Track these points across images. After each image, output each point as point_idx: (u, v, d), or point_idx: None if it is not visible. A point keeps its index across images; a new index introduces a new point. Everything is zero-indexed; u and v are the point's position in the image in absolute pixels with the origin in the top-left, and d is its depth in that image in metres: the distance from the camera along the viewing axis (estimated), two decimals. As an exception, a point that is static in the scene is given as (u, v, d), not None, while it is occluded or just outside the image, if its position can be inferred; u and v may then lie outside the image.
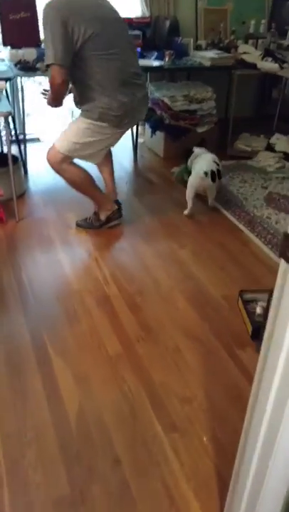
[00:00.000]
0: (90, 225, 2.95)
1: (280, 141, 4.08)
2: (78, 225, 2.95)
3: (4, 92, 3.03)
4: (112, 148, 2.93)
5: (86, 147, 2.60)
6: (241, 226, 3.03)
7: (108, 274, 2.54)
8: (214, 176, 3.04)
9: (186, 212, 3.12)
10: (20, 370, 1.91)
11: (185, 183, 3.18)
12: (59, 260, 2.63)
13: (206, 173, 3.01)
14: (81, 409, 1.75)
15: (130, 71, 2.55)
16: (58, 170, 2.69)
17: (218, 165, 3.12)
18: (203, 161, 3.15)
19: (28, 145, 3.87)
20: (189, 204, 3.10)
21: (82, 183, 2.77)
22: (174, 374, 1.92)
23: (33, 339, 2.07)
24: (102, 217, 2.93)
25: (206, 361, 1.99)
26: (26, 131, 3.82)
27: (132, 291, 2.41)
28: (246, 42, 4.41)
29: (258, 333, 2.06)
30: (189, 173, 3.20)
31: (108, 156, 2.99)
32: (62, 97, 2.49)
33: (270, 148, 4.15)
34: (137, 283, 2.47)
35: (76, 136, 2.57)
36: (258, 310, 2.18)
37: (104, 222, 2.93)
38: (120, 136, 2.71)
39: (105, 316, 2.23)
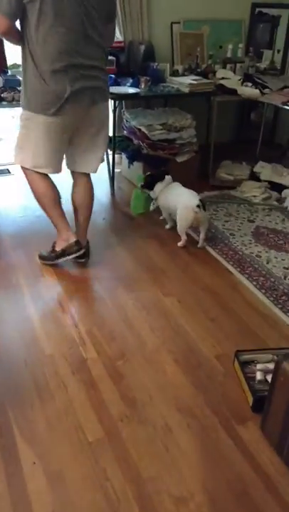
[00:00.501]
0: (45, 258, 2.69)
1: (265, 170, 3.88)
2: (40, 257, 2.73)
3: None
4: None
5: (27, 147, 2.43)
6: (230, 267, 2.78)
7: (84, 331, 2.23)
8: (204, 206, 2.91)
9: (180, 244, 2.98)
10: (-20, 467, 1.58)
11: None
12: (28, 315, 2.32)
13: (198, 206, 2.85)
14: (54, 521, 1.43)
15: (78, 60, 2.24)
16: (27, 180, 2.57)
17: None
18: (186, 194, 2.99)
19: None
20: (184, 237, 2.97)
21: (44, 198, 2.59)
22: (165, 464, 1.62)
23: (-4, 423, 1.74)
24: (58, 247, 2.66)
25: (202, 444, 1.70)
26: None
27: (113, 353, 2.11)
28: (224, 66, 4.24)
29: (259, 404, 1.78)
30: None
31: (88, 199, 2.74)
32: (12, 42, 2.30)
33: (254, 177, 3.94)
34: (118, 342, 2.18)
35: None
36: (259, 375, 1.90)
37: (59, 253, 2.65)
38: (59, 129, 2.38)
39: (82, 387, 1.92)
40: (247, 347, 2.12)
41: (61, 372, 1.98)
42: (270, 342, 2.19)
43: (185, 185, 3.80)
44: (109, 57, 3.77)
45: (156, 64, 3.88)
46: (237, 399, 1.88)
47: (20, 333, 2.20)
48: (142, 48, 3.91)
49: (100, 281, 2.61)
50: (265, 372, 1.92)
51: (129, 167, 3.91)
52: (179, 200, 2.96)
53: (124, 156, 3.98)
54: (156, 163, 3.74)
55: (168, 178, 3.15)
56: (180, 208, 2.92)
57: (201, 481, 1.56)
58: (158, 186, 3.13)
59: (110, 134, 3.83)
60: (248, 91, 3.84)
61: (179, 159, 3.78)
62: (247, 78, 4.06)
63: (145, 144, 3.63)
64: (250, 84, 3.99)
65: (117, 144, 3.77)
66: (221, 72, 4.11)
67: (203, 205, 2.87)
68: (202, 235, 2.96)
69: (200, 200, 2.88)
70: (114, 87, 3.57)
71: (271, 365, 1.97)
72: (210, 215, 3.38)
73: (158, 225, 3.26)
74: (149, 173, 3.26)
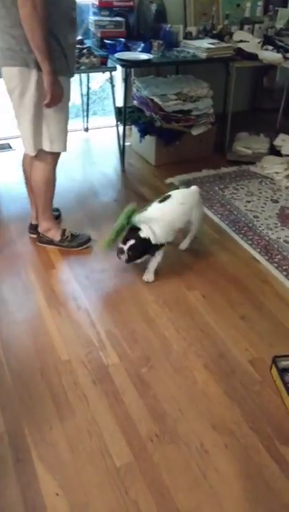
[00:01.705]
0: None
1: (286, 144, 3.59)
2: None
3: None
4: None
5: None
6: (257, 255, 2.55)
7: (103, 332, 2.02)
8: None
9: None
10: (-4, 500, 1.40)
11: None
12: (41, 315, 2.11)
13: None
14: None
15: None
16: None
17: None
18: (184, 191, 2.50)
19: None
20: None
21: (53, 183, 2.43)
22: (205, 494, 1.44)
23: (12, 444, 1.55)
24: (66, 233, 2.55)
25: (243, 468, 1.52)
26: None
27: (136, 358, 1.91)
28: (241, 28, 3.88)
29: (305, 421, 1.59)
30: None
31: None
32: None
33: (274, 151, 3.66)
34: (141, 344, 1.97)
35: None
36: (302, 387, 1.71)
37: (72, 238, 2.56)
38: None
39: (105, 400, 1.72)
40: (283, 348, 1.93)
41: (81, 381, 1.79)
42: (308, 343, 1.99)
43: (200, 160, 3.56)
44: (118, 19, 3.45)
45: (169, 26, 3.52)
46: (277, 412, 1.70)
47: (33, 336, 1.99)
48: (153, 7, 3.55)
49: (116, 274, 2.39)
50: (309, 382, 1.73)
51: (140, 141, 3.61)
52: (188, 202, 2.38)
53: (134, 128, 3.67)
54: (169, 136, 3.47)
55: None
56: (198, 206, 2.45)
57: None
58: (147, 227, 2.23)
59: (120, 104, 3.55)
60: (270, 56, 3.51)
61: (195, 132, 3.48)
62: (267, 41, 3.72)
63: (158, 116, 3.33)
64: (270, 47, 3.65)
65: (127, 115, 3.47)
66: (238, 35, 3.77)
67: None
68: (191, 236, 2.54)
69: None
70: (124, 53, 3.24)
71: (314, 374, 1.78)
72: (230, 195, 3.13)
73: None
74: (132, 243, 2.20)
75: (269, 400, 1.74)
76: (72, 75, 2.21)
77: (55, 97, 2.05)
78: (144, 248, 2.22)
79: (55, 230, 2.53)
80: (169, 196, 2.37)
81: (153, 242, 2.21)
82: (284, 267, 2.45)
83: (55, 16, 1.93)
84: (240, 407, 1.72)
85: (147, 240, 2.19)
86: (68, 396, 1.73)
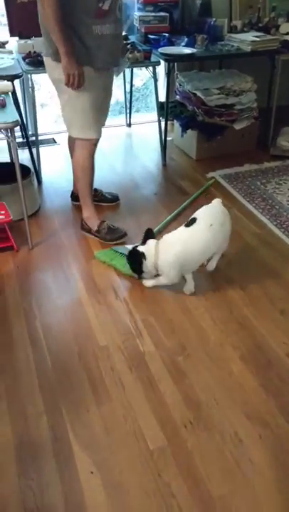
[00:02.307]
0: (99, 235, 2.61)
1: None
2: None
3: (10, 94, 2.52)
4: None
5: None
6: (298, 250, 2.51)
7: (140, 321, 2.06)
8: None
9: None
10: (34, 472, 1.46)
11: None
12: (81, 303, 2.16)
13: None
14: None
15: None
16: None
17: None
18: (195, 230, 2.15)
19: (42, 149, 3.38)
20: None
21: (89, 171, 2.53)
22: (237, 482, 1.44)
23: (50, 424, 1.61)
24: (101, 225, 2.60)
25: (277, 459, 1.51)
26: (39, 132, 3.30)
27: (172, 347, 1.93)
28: (289, 20, 3.80)
29: None
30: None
31: None
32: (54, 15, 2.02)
33: None
34: (178, 334, 1.99)
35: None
36: None
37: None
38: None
39: (141, 385, 1.75)
40: None
41: (117, 367, 1.83)
42: None
43: (243, 155, 3.53)
44: (162, 14, 3.47)
45: (214, 19, 3.50)
46: (314, 407, 1.67)
47: (72, 322, 2.05)
48: (198, 1, 3.54)
49: (155, 264, 2.41)
50: None
51: (182, 136, 3.62)
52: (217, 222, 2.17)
53: (176, 123, 3.68)
54: (211, 130, 3.45)
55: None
56: (227, 221, 2.24)
57: (278, 504, 1.38)
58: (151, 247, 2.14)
59: (163, 99, 3.56)
60: None
61: (237, 126, 3.45)
62: (315, 33, 3.63)
63: (201, 110, 3.33)
64: None
65: (169, 110, 3.48)
66: (285, 27, 3.68)
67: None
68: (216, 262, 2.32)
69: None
70: (167, 48, 3.26)
71: None
72: (272, 189, 3.09)
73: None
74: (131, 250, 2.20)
75: (306, 394, 1.72)
76: (101, 67, 2.25)
77: (71, 78, 2.15)
78: (135, 261, 2.14)
79: (94, 219, 2.59)
80: (194, 220, 2.15)
81: (147, 269, 2.12)
82: None
83: (77, 7, 2.05)
84: (276, 399, 1.70)
85: (140, 255, 2.10)
86: (105, 380, 1.77)
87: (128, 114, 4.09)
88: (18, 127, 2.83)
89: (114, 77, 2.52)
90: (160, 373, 1.80)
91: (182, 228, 2.17)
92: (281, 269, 2.37)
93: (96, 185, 2.73)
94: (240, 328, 2.02)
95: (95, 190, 2.91)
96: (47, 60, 2.29)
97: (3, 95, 2.36)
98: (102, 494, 1.41)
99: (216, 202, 2.26)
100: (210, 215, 2.18)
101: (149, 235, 2.20)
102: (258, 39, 3.33)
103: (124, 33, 3.42)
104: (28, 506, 1.38)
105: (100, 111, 2.41)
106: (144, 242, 2.17)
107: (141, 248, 2.13)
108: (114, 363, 1.84)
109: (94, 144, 2.47)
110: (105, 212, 2.84)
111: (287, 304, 2.15)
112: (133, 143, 3.96)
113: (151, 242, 2.14)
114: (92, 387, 1.74)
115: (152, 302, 2.17)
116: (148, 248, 2.12)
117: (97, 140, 2.48)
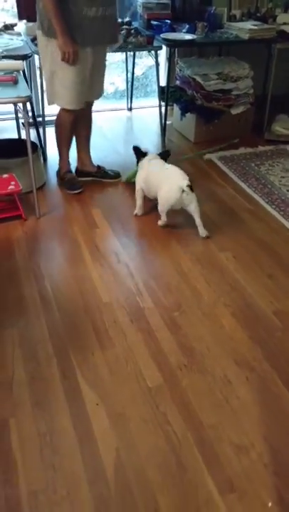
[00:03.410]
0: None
1: None
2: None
3: (21, 71, 2.68)
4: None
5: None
6: (287, 224, 2.70)
7: (141, 282, 2.24)
8: (192, 187, 2.48)
9: (160, 223, 2.63)
10: (46, 403, 1.65)
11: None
12: (85, 265, 2.34)
13: (189, 186, 2.45)
14: (119, 459, 1.49)
15: None
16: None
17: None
18: (175, 172, 2.57)
19: (48, 128, 3.53)
20: (164, 218, 2.60)
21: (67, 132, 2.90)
22: (225, 414, 1.63)
23: (59, 366, 1.79)
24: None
25: (262, 396, 1.70)
26: (45, 112, 3.46)
27: (169, 304, 2.11)
28: (286, 11, 3.97)
29: None
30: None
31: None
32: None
33: (312, 131, 3.75)
34: (174, 294, 2.18)
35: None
36: None
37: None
38: None
39: (141, 335, 1.94)
40: (306, 304, 2.08)
41: (120, 320, 2.01)
42: None
43: (239, 139, 3.70)
44: (164, 1, 3.62)
45: (214, 8, 3.67)
46: (296, 355, 1.87)
47: (78, 282, 2.23)
48: (199, -10, 3.70)
49: (154, 234, 2.59)
50: None
51: (181, 119, 3.79)
52: (166, 177, 2.57)
53: (176, 107, 3.85)
54: (209, 114, 3.62)
55: (150, 155, 2.77)
56: (166, 185, 2.53)
57: (262, 432, 1.58)
58: (143, 162, 2.74)
59: (163, 83, 3.73)
60: (312, 37, 3.59)
61: (234, 111, 3.63)
62: (311, 23, 3.79)
63: (199, 95, 3.50)
64: (314, 30, 3.73)
65: (169, 94, 3.65)
66: (282, 17, 3.85)
67: (191, 186, 2.47)
68: (198, 221, 2.55)
69: (189, 180, 2.50)
70: (169, 34, 3.42)
71: None
72: (266, 170, 3.28)
73: (211, 181, 3.18)
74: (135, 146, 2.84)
75: (289, 345, 1.91)
76: (91, 45, 2.55)
77: (67, 55, 2.46)
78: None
79: (63, 169, 3.02)
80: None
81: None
82: (313, 236, 2.59)
83: None
84: (262, 348, 1.90)
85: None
86: (108, 331, 1.96)
87: (129, 98, 4.25)
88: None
89: (109, 53, 2.83)
90: (158, 325, 1.99)
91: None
92: (270, 240, 2.56)
93: (99, 163, 2.99)
94: (231, 289, 2.21)
95: (98, 167, 3.10)
96: (38, 34, 2.56)
97: (15, 72, 2.52)
98: (107, 421, 1.60)
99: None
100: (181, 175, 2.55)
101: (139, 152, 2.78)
102: (255, 27, 3.50)
103: (127, 19, 3.60)
104: (41, 430, 1.56)
105: (86, 85, 2.68)
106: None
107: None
108: (117, 317, 2.03)
109: (75, 113, 2.75)
110: (107, 188, 3.02)
111: (274, 270, 2.34)
112: (134, 126, 4.12)
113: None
114: (97, 335, 1.93)
115: (152, 266, 2.35)
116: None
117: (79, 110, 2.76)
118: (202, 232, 2.56)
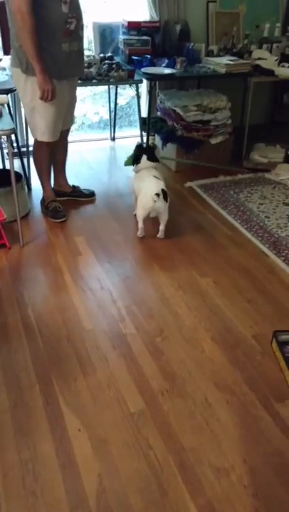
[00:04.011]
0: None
1: (300, 153, 3.83)
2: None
3: (6, 105, 2.77)
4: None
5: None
6: (266, 250, 2.78)
7: (124, 308, 2.28)
8: (166, 195, 2.72)
9: (138, 233, 2.85)
10: (28, 430, 1.66)
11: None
12: (68, 293, 2.38)
13: (157, 195, 2.66)
14: (101, 485, 1.50)
15: None
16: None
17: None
18: (150, 181, 2.77)
19: (32, 158, 3.61)
20: (140, 225, 2.82)
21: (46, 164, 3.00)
22: (206, 437, 1.66)
23: (42, 392, 1.81)
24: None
25: (242, 419, 1.74)
26: (29, 143, 3.54)
27: (151, 330, 2.15)
28: (260, 47, 4.16)
29: (298, 383, 1.80)
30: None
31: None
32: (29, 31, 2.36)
33: (288, 160, 3.89)
34: (156, 319, 2.22)
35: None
36: (297, 355, 1.92)
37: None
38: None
39: (123, 361, 1.97)
40: (284, 328, 2.14)
41: (102, 346, 2.04)
42: (307, 324, 2.20)
43: (219, 167, 3.83)
44: (145, 38, 3.78)
45: (192, 44, 3.84)
46: (275, 377, 1.91)
47: (61, 309, 2.26)
48: (178, 27, 3.88)
49: (136, 261, 2.65)
50: (304, 352, 1.94)
51: (163, 148, 3.91)
52: (142, 185, 2.80)
53: (157, 137, 3.98)
54: (190, 144, 3.75)
55: (146, 162, 2.94)
56: (141, 194, 2.77)
57: (241, 454, 1.61)
58: (140, 165, 2.95)
59: (145, 114, 3.86)
60: (286, 72, 3.78)
61: (213, 141, 3.76)
62: (284, 59, 3.99)
63: (180, 125, 3.63)
64: (287, 64, 3.91)
65: (151, 124, 3.77)
66: (257, 53, 4.04)
67: (164, 194, 2.69)
68: (161, 226, 2.81)
69: (162, 189, 2.70)
70: (149, 68, 3.57)
71: (309, 346, 1.99)
72: (244, 198, 3.38)
73: (192, 208, 3.27)
74: (139, 143, 3.12)
75: (268, 368, 1.96)
76: (64, 78, 2.67)
77: (46, 93, 2.55)
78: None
79: (48, 198, 3.10)
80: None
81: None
82: (290, 261, 2.67)
83: (45, 28, 2.42)
84: (242, 372, 1.94)
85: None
86: (91, 357, 1.98)
87: (112, 128, 4.37)
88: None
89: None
90: (140, 351, 2.03)
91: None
92: (249, 266, 2.64)
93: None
94: (212, 314, 2.26)
95: (73, 186, 3.23)
96: (16, 71, 2.63)
97: (0, 105, 2.61)
98: (89, 447, 1.62)
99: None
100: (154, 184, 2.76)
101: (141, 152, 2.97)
102: (231, 62, 3.66)
103: (109, 54, 3.75)
104: (23, 457, 1.57)
105: (62, 117, 2.81)
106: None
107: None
108: (99, 343, 2.06)
109: (53, 144, 2.86)
110: (84, 205, 3.22)
111: (253, 295, 2.40)
112: (117, 155, 4.22)
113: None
114: (80, 362, 1.96)
115: (134, 292, 2.40)
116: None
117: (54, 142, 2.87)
118: (160, 234, 2.85)
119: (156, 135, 3.98)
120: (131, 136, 4.47)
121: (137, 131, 4.11)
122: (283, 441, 1.66)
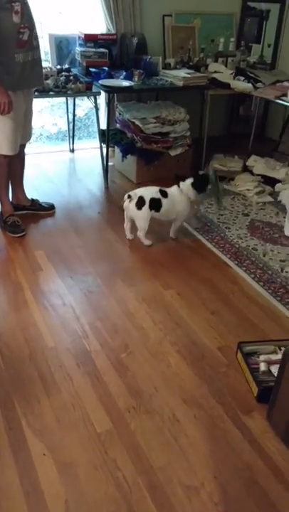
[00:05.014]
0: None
1: (257, 164, 3.91)
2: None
3: None
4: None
5: None
6: (228, 260, 2.81)
7: (87, 324, 2.23)
8: (142, 203, 2.76)
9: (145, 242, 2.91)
10: (-10, 461, 1.58)
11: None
12: (29, 310, 2.31)
13: (129, 196, 2.77)
14: (68, 511, 1.44)
15: None
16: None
17: (163, 195, 2.82)
18: (144, 188, 2.87)
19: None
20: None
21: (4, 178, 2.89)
22: (175, 454, 1.64)
23: (4, 416, 1.73)
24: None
25: (210, 434, 1.72)
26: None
27: (116, 346, 2.11)
28: (216, 60, 4.25)
29: (264, 395, 1.81)
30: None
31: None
32: None
33: (246, 170, 3.97)
34: (121, 334, 2.18)
35: None
36: (262, 366, 1.93)
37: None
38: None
39: (88, 379, 1.92)
40: (248, 339, 2.15)
41: (66, 364, 1.98)
42: (271, 334, 2.22)
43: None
44: (102, 50, 3.78)
45: (149, 57, 3.86)
46: (241, 389, 1.91)
47: (23, 328, 2.19)
48: (135, 40, 3.89)
49: (99, 275, 2.61)
50: (269, 363, 1.96)
51: (122, 160, 3.90)
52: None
53: (117, 149, 3.96)
54: (149, 156, 3.75)
55: (188, 186, 2.88)
56: None
57: (211, 470, 1.59)
58: (182, 184, 2.91)
59: (104, 127, 3.84)
60: (241, 85, 3.87)
61: (173, 153, 3.78)
62: (239, 72, 4.09)
63: (139, 138, 3.63)
64: (242, 78, 4.01)
65: (110, 136, 3.76)
66: (213, 66, 4.13)
67: (140, 201, 2.74)
68: (138, 233, 2.86)
69: (141, 196, 2.75)
70: (107, 80, 3.56)
71: (274, 356, 2.01)
72: (205, 208, 3.41)
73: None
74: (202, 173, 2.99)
75: (234, 379, 1.96)
76: (20, 89, 2.62)
77: (2, 106, 2.49)
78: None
79: (6, 213, 3.01)
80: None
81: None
82: (252, 271, 2.70)
83: (1, 40, 2.38)
84: (209, 385, 1.93)
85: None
86: (55, 376, 1.92)
87: (72, 140, 4.33)
88: None
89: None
90: (105, 368, 1.98)
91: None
92: (212, 276, 2.65)
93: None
94: (177, 327, 2.25)
95: (32, 200, 3.17)
96: None
97: None
98: (55, 471, 1.55)
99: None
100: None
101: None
102: (189, 76, 3.71)
103: (66, 66, 3.72)
104: (-15, 488, 1.49)
105: (21, 130, 2.75)
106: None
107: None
108: (63, 361, 2.00)
109: (11, 158, 2.80)
110: (44, 219, 3.16)
111: (217, 306, 2.41)
112: (76, 167, 4.18)
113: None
114: (43, 382, 1.89)
115: (98, 307, 2.35)
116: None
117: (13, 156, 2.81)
118: (137, 234, 2.88)
119: (115, 147, 3.96)
120: (90, 148, 4.45)
121: (96, 142, 4.08)
122: (252, 454, 1.65)
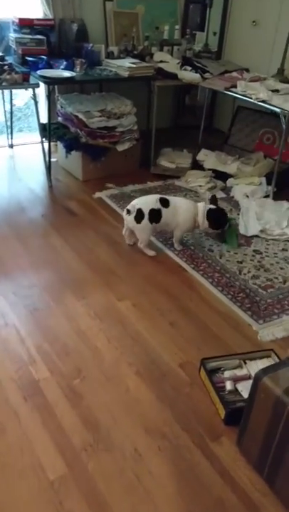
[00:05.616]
0: None
1: (208, 158, 3.78)
2: None
3: None
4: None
5: None
6: (183, 263, 2.65)
7: (34, 348, 2.00)
8: (141, 216, 2.57)
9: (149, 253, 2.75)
10: None
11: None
12: None
13: (128, 211, 2.60)
14: None
15: None
16: None
17: (164, 204, 2.63)
18: (153, 196, 2.69)
19: None
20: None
21: None
22: (139, 496, 1.46)
23: None
24: None
25: (176, 468, 1.56)
26: None
27: (68, 371, 1.90)
28: (161, 49, 4.05)
29: (233, 417, 1.67)
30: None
31: None
32: None
33: (196, 165, 3.83)
34: (73, 357, 1.97)
35: None
36: (228, 385, 1.79)
37: None
38: None
39: (37, 415, 1.70)
40: (210, 351, 2.01)
41: (11, 399, 1.75)
42: (233, 344, 2.09)
43: (127, 175, 3.65)
44: (39, 37, 3.48)
45: (91, 45, 3.61)
46: (207, 411, 1.76)
47: None
48: (74, 27, 3.62)
49: (45, 288, 2.37)
50: (234, 380, 1.82)
51: (66, 157, 3.64)
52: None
53: (60, 145, 3.69)
54: (95, 152, 3.52)
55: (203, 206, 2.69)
56: None
57: (180, 509, 1.42)
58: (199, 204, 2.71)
59: (44, 120, 3.55)
60: (189, 75, 3.69)
61: (120, 148, 3.57)
62: (186, 62, 3.91)
63: (84, 132, 3.38)
64: (189, 68, 3.84)
65: (52, 131, 3.48)
66: (158, 55, 3.93)
67: (138, 214, 2.57)
68: (139, 244, 2.71)
69: (139, 208, 2.57)
70: (46, 71, 3.27)
71: (239, 372, 1.88)
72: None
73: (103, 221, 3.05)
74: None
75: (199, 401, 1.81)
76: None
77: None
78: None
79: None
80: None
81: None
82: (209, 274, 2.56)
83: None
84: (172, 409, 1.76)
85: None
86: (-2, 414, 1.69)
87: (10, 135, 4.00)
88: None
89: None
90: (57, 399, 1.77)
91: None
92: (168, 282, 2.48)
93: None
94: (134, 343, 2.06)
95: None
96: None
97: None
98: (1, 536, 1.33)
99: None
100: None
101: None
102: (134, 66, 3.49)
103: (0, 54, 3.39)
104: None
105: None
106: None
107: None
108: (8, 395, 1.76)
109: None
110: None
111: (176, 316, 2.24)
112: (17, 165, 3.87)
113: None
114: (-16, 422, 1.65)
115: (45, 327, 2.12)
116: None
117: None
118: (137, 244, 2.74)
119: (58, 142, 3.69)
120: (32, 143, 4.14)
121: (37, 136, 3.78)
122: (223, 488, 1.51)
